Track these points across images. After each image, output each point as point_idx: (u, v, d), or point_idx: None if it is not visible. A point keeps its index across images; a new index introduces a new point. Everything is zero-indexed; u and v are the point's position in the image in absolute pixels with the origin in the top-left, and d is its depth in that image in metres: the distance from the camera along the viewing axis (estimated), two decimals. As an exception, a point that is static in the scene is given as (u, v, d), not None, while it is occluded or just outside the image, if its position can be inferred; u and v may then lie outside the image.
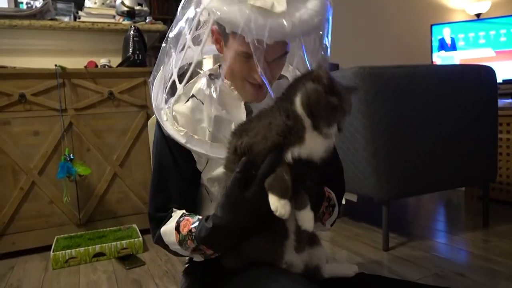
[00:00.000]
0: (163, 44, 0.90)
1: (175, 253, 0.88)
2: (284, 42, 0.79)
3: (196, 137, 0.85)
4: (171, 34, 0.89)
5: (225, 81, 0.90)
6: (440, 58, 3.49)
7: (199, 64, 0.98)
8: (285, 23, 0.72)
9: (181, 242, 0.81)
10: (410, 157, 1.71)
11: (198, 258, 0.83)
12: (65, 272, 1.74)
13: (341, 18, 3.38)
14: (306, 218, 0.71)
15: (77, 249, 1.81)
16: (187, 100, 0.90)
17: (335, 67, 3.11)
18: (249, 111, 0.89)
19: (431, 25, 3.56)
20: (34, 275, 1.71)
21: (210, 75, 0.92)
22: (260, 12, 0.72)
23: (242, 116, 0.88)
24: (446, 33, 3.47)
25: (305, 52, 0.87)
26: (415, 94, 1.70)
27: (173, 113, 0.88)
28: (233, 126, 0.83)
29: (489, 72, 1.91)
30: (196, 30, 0.84)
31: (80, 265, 1.80)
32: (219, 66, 0.94)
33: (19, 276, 1.71)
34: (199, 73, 0.97)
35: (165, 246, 0.87)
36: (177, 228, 0.82)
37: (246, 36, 0.72)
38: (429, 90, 1.73)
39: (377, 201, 1.76)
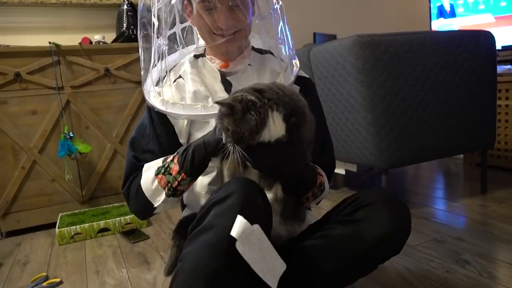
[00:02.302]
0: (143, 32, 1.00)
1: (137, 205, 0.96)
2: None
3: (170, 101, 0.94)
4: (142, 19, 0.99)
5: (207, 56, 1.03)
6: (439, 25, 3.44)
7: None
8: None
9: (162, 166, 0.90)
10: (409, 125, 1.71)
11: (160, 196, 0.91)
12: (71, 247, 1.77)
13: (338, -13, 3.31)
14: None
15: (82, 225, 1.84)
16: (174, 81, 1.01)
17: (333, 37, 3.08)
18: (227, 85, 0.99)
19: (430, -8, 3.49)
20: (41, 251, 1.75)
21: (195, 55, 1.05)
22: None
23: (218, 89, 0.98)
24: (444, 0, 3.40)
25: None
26: (413, 62, 1.69)
27: (160, 92, 0.98)
28: (210, 100, 0.96)
29: (488, 38, 1.88)
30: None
31: (86, 240, 1.84)
32: (204, 49, 1.06)
33: (26, 252, 1.74)
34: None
35: (134, 190, 0.95)
36: (165, 159, 0.92)
37: None
38: (427, 57, 1.71)
39: (377, 170, 1.78)
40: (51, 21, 2.27)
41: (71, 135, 1.96)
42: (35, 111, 1.97)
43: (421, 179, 2.49)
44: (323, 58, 1.87)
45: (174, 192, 0.89)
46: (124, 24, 2.15)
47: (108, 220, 1.88)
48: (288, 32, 1.01)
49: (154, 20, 0.93)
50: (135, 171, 0.97)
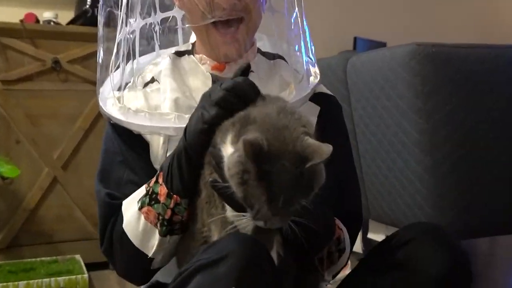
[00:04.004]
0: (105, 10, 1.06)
1: (126, 261, 0.97)
2: None
3: (132, 109, 0.98)
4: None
5: (196, 55, 1.09)
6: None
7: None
8: None
9: (145, 194, 0.91)
10: (485, 178, 1.69)
11: (153, 238, 0.91)
12: (-28, 317, 1.72)
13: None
14: None
15: (-8, 286, 1.83)
16: (145, 85, 1.07)
17: (382, 45, 3.11)
18: None
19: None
20: None
21: (176, 52, 1.12)
22: None
23: None
24: (543, 6, 3.44)
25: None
26: (496, 87, 1.70)
27: (120, 97, 1.03)
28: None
29: None
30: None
31: (-5, 308, 1.80)
32: (192, 44, 1.14)
33: None
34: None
35: (118, 243, 0.95)
36: (148, 183, 0.93)
37: None
38: (518, 81, 1.73)
39: (433, 240, 1.74)
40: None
41: (-6, 151, 1.97)
42: None
43: (498, 260, 2.45)
44: (366, 71, 1.89)
45: (170, 226, 0.89)
46: (88, 1, 2.19)
47: (31, 281, 1.87)
48: (306, 29, 1.06)
49: None
50: (113, 215, 0.96)
